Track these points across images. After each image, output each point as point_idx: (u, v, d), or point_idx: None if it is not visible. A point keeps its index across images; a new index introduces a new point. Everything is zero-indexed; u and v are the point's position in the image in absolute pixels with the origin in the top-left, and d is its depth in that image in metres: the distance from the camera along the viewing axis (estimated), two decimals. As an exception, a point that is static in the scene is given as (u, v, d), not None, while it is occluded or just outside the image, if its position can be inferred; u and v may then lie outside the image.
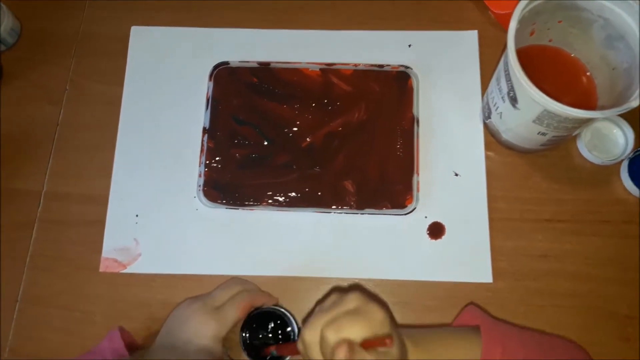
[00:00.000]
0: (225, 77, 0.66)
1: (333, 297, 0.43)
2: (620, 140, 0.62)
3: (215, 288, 0.57)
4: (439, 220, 0.61)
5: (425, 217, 0.61)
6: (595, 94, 0.59)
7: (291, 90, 0.65)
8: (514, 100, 0.53)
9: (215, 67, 0.67)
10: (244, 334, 0.55)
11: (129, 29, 0.69)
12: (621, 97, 0.52)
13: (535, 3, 0.52)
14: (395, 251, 0.60)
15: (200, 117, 0.65)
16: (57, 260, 0.61)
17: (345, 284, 0.60)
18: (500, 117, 0.58)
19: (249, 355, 0.55)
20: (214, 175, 0.63)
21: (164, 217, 0.62)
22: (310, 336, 0.41)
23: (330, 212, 0.61)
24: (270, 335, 0.56)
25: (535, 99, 0.49)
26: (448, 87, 0.65)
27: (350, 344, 0.39)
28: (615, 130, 0.63)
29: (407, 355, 0.44)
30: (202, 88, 0.66)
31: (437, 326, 0.58)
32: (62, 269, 0.61)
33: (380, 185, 0.62)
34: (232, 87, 0.66)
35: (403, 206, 0.61)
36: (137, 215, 0.62)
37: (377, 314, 0.41)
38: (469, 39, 0.67)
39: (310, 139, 0.64)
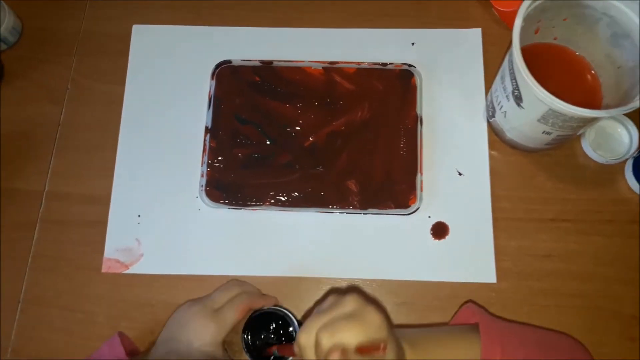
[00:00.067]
0: (227, 75, 0.66)
1: (331, 298, 0.43)
2: (625, 139, 0.62)
3: (215, 290, 0.57)
4: (442, 220, 0.60)
5: (429, 217, 0.61)
6: (600, 92, 0.58)
7: (294, 89, 0.65)
8: (518, 99, 0.53)
9: (218, 65, 0.66)
10: (245, 336, 0.55)
11: (131, 27, 0.69)
12: (626, 95, 0.52)
13: (540, 1, 0.52)
14: (398, 251, 0.60)
15: (202, 116, 0.65)
16: (59, 260, 0.61)
17: (347, 284, 0.59)
18: (505, 116, 0.58)
19: (251, 357, 0.55)
20: (216, 175, 0.62)
21: (166, 217, 0.62)
22: (306, 339, 0.41)
23: (333, 212, 0.61)
24: (272, 335, 0.56)
25: (540, 98, 0.49)
26: (452, 86, 0.65)
27: (343, 350, 0.38)
28: (619, 129, 0.62)
29: (404, 357, 0.43)
30: (204, 87, 0.66)
31: (435, 325, 0.57)
32: (63, 269, 0.61)
33: (384, 184, 0.61)
34: (235, 86, 0.66)
35: (406, 206, 0.61)
36: (139, 216, 0.62)
37: (374, 317, 0.41)
38: (473, 37, 0.67)
39: (313, 138, 0.63)
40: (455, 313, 0.55)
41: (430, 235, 0.60)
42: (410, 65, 0.65)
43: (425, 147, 0.63)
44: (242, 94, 0.65)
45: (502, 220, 0.60)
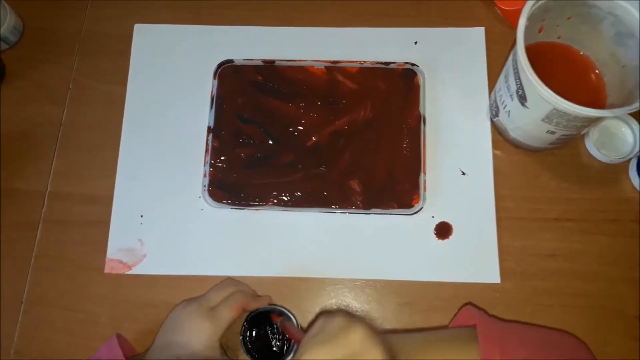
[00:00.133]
0: (229, 75, 0.66)
1: (320, 320, 0.44)
2: (629, 138, 0.62)
3: (210, 289, 0.57)
4: (446, 220, 0.60)
5: (432, 216, 0.61)
6: (605, 91, 0.58)
7: (296, 88, 0.65)
8: (522, 99, 0.52)
9: (220, 65, 0.66)
10: (244, 337, 0.55)
11: (132, 27, 0.68)
12: (631, 94, 0.52)
13: (544, 0, 0.51)
14: (401, 251, 0.60)
15: (204, 115, 0.65)
16: (61, 260, 0.61)
17: (351, 284, 0.59)
18: (509, 116, 0.57)
19: (252, 358, 0.54)
20: (219, 175, 0.62)
21: (169, 217, 0.62)
22: None
23: (336, 212, 0.61)
24: (270, 335, 0.56)
25: (545, 98, 0.48)
26: (455, 85, 0.65)
27: None
28: (624, 129, 0.62)
29: None
30: (207, 86, 0.66)
31: (434, 328, 0.57)
32: (66, 269, 0.61)
33: (387, 184, 0.61)
34: (237, 85, 0.65)
35: (410, 206, 0.60)
36: (141, 216, 0.62)
37: (358, 335, 0.41)
38: (476, 35, 0.66)
39: (315, 137, 0.63)
40: (455, 316, 0.55)
41: (434, 235, 0.60)
42: (413, 65, 0.65)
43: (428, 147, 0.63)
44: (244, 94, 0.65)
45: (506, 219, 0.60)
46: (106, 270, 0.60)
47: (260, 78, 0.65)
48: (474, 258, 0.59)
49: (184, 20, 0.69)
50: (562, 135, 0.55)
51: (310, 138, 0.63)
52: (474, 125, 0.63)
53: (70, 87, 0.67)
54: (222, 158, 0.63)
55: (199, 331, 0.52)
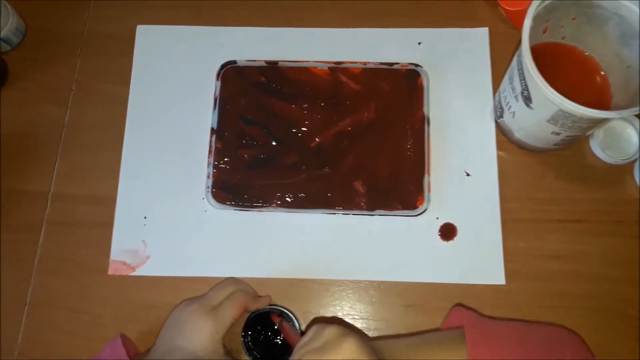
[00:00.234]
0: (232, 76, 0.65)
1: (313, 329, 0.46)
2: (634, 139, 0.61)
3: (211, 288, 0.57)
4: (450, 222, 0.60)
5: (437, 218, 0.60)
6: (609, 92, 0.58)
7: (299, 89, 0.65)
8: (527, 100, 0.52)
9: (223, 66, 0.66)
10: (245, 338, 0.55)
11: (135, 28, 0.68)
12: (636, 95, 0.52)
13: (549, 0, 0.51)
14: (406, 253, 0.60)
15: (207, 117, 0.64)
16: (65, 262, 0.61)
17: (355, 286, 0.59)
18: (513, 117, 0.57)
19: (253, 358, 0.54)
20: (222, 177, 0.62)
21: (173, 218, 0.61)
22: None
23: (339, 214, 0.61)
24: (271, 335, 0.56)
25: (550, 99, 0.48)
26: (459, 86, 0.65)
27: None
28: (628, 129, 0.62)
29: None
30: (210, 88, 0.65)
31: (423, 332, 0.57)
32: (69, 271, 0.61)
33: (391, 186, 0.61)
34: (240, 86, 0.65)
35: (414, 207, 0.60)
36: (145, 217, 0.62)
37: (350, 345, 0.43)
38: (480, 36, 0.66)
39: (319, 138, 0.63)
40: (445, 318, 0.55)
41: (438, 237, 0.60)
42: (416, 65, 0.65)
43: (432, 148, 0.62)
44: (247, 95, 0.65)
45: (511, 221, 0.60)
46: (110, 272, 0.60)
47: (263, 79, 0.65)
48: (478, 259, 0.59)
49: (187, 20, 0.68)
50: (567, 136, 0.54)
51: (314, 139, 0.63)
52: (478, 126, 0.63)
53: (73, 88, 0.67)
54: (226, 159, 0.63)
55: (201, 331, 0.52)
